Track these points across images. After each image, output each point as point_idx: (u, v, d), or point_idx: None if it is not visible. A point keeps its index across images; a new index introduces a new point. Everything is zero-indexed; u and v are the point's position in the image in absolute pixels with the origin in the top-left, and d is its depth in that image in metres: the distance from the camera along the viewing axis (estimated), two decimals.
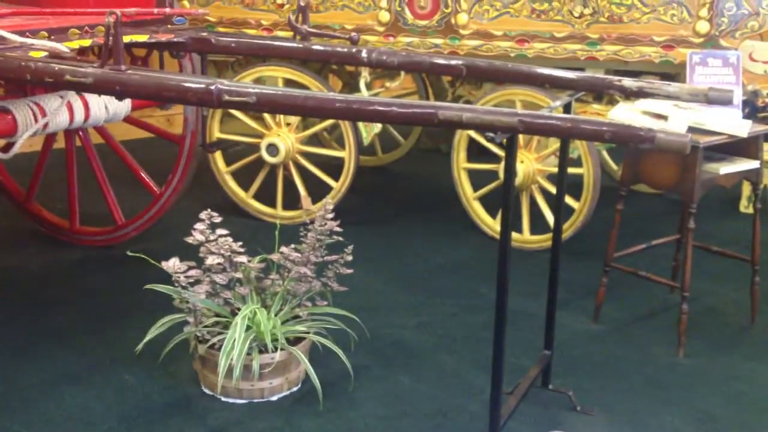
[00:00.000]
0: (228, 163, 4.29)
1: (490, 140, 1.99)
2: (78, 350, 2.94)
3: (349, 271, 2.83)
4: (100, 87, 2.38)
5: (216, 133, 4.23)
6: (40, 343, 2.98)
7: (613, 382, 2.81)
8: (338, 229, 2.77)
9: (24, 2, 3.38)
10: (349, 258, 2.81)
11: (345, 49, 2.93)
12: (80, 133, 3.71)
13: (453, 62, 2.76)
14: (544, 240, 3.79)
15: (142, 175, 3.85)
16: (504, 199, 2.07)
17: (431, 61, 2.85)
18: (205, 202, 4.11)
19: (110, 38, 2.37)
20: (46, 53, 2.67)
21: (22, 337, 3.03)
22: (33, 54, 2.64)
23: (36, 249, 3.87)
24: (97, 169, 3.82)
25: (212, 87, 2.24)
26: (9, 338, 3.03)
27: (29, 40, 2.73)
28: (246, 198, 4.28)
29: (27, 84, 2.81)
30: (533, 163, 3.81)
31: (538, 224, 3.87)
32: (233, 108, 2.44)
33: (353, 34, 3.10)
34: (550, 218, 3.74)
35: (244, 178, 4.29)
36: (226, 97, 2.22)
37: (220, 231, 2.78)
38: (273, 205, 4.23)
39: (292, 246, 2.81)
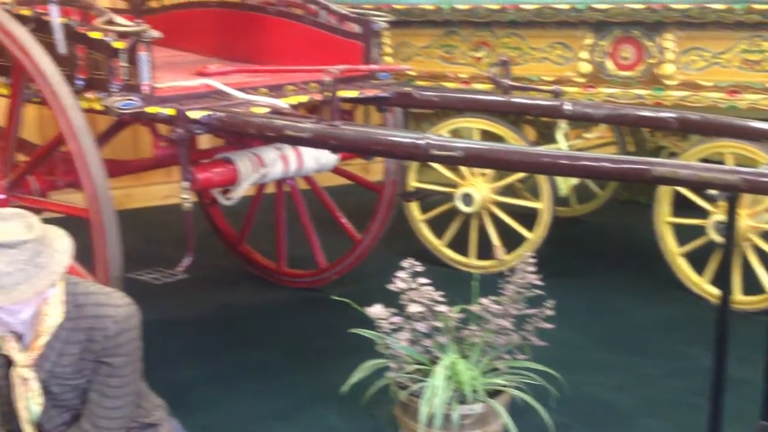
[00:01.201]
0: (423, 211, 4.39)
1: (710, 199, 1.91)
2: (284, 388, 3.09)
3: (550, 326, 2.80)
4: (317, 141, 2.53)
5: (412, 182, 4.35)
6: (249, 379, 3.17)
7: None
8: (538, 282, 2.76)
9: (242, 60, 3.66)
10: (550, 312, 2.78)
11: (547, 102, 2.94)
12: (289, 180, 3.94)
13: (662, 115, 2.69)
14: (758, 301, 3.56)
15: (344, 221, 4.02)
16: (724, 261, 1.98)
17: (638, 114, 2.80)
18: (399, 249, 4.22)
19: (327, 95, 2.53)
20: (267, 109, 2.89)
21: (232, 372, 3.24)
22: (255, 109, 2.87)
23: (247, 288, 4.13)
24: (303, 214, 4.03)
25: (420, 142, 2.32)
26: (220, 372, 3.24)
27: (251, 97, 2.96)
28: (439, 246, 4.35)
29: (249, 137, 3.03)
30: (746, 219, 3.61)
31: (749, 283, 3.64)
32: (440, 162, 2.51)
33: (555, 87, 3.10)
34: (765, 278, 3.51)
35: (438, 226, 4.36)
36: (434, 152, 2.29)
37: (421, 279, 2.84)
38: (466, 253, 4.27)
39: (492, 297, 2.82)
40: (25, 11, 2.87)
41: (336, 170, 3.97)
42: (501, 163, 2.23)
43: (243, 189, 3.09)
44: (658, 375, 3.14)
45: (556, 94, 3.05)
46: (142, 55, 2.70)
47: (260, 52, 3.64)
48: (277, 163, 3.14)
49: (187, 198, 2.86)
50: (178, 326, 3.61)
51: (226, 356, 3.37)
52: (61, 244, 2.10)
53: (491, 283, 2.86)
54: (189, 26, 3.83)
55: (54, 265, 2.05)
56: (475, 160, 2.28)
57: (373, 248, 3.96)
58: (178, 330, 3.56)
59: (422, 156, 2.32)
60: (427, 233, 4.38)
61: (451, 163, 2.71)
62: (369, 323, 2.79)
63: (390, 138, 2.39)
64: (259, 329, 3.64)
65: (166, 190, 5.40)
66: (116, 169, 3.28)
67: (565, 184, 4.03)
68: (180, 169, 2.90)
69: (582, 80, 3.92)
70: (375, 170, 5.12)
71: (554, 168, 2.18)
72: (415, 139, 2.33)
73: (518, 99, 2.97)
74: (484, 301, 2.81)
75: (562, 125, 4.05)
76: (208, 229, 4.34)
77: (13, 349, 2.15)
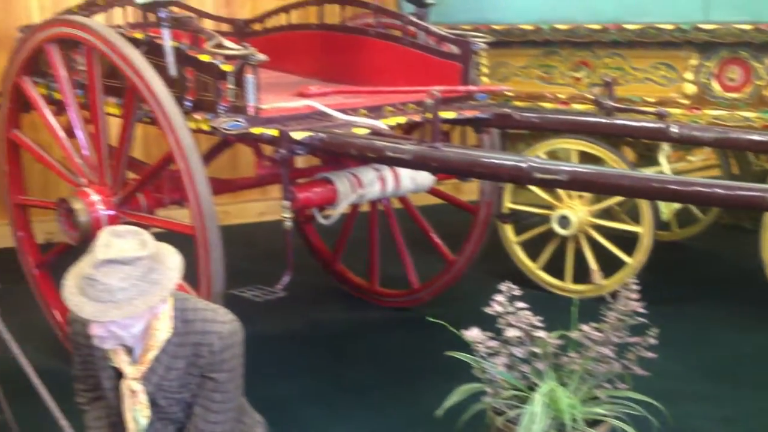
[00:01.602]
0: (517, 233, 4.34)
1: None
2: (379, 408, 3.09)
3: (652, 355, 2.71)
4: (418, 163, 2.54)
5: (507, 203, 4.31)
6: (344, 398, 3.19)
7: None
8: (642, 310, 2.68)
9: (341, 81, 3.71)
10: (652, 341, 2.70)
11: (653, 125, 2.87)
12: (383, 199, 3.96)
13: None
14: None
15: (437, 241, 4.01)
16: None
17: (749, 138, 2.70)
18: (492, 271, 4.18)
19: (427, 116, 2.53)
20: (367, 130, 2.91)
21: (328, 390, 3.26)
22: (356, 130, 2.90)
23: (340, 306, 4.17)
24: (396, 233, 4.05)
25: (523, 165, 2.29)
26: (316, 389, 3.27)
27: (352, 118, 3.00)
28: (534, 269, 4.29)
29: (349, 158, 3.06)
30: None
31: None
32: (544, 186, 2.47)
33: (661, 109, 3.03)
34: None
35: (532, 248, 4.31)
36: (537, 175, 2.26)
37: (519, 303, 2.80)
38: (562, 277, 4.20)
39: (592, 324, 2.75)
40: (138, 35, 2.98)
41: (432, 190, 3.99)
42: (609, 188, 2.18)
43: (341, 209, 3.13)
44: (764, 408, 3.00)
45: (662, 116, 2.98)
46: (249, 77, 2.77)
47: (359, 73, 3.69)
48: (374, 183, 3.17)
49: (287, 217, 2.90)
50: (274, 342, 3.67)
51: (322, 374, 3.40)
52: (172, 260, 2.17)
53: (588, 308, 2.79)
54: (289, 48, 3.91)
55: (166, 281, 2.11)
56: (580, 184, 2.24)
57: (466, 269, 3.94)
58: (273, 346, 3.61)
59: (525, 179, 2.30)
60: (521, 255, 4.33)
61: (556, 187, 2.67)
62: (463, 346, 2.76)
63: (492, 160, 2.37)
64: (353, 348, 3.66)
65: (262, 207, 5.52)
66: (220, 187, 3.36)
67: (668, 208, 3.92)
68: (280, 188, 2.96)
69: (686, 102, 3.81)
70: (467, 190, 5.10)
71: (664, 194, 2.12)
72: (517, 161, 2.31)
73: (622, 121, 2.91)
74: (584, 327, 2.75)
75: (665, 147, 3.94)
76: (303, 246, 4.40)
77: (123, 362, 2.22)
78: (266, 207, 5.51)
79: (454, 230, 4.10)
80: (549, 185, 2.31)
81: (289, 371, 3.43)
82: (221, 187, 3.41)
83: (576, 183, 2.24)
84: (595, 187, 2.26)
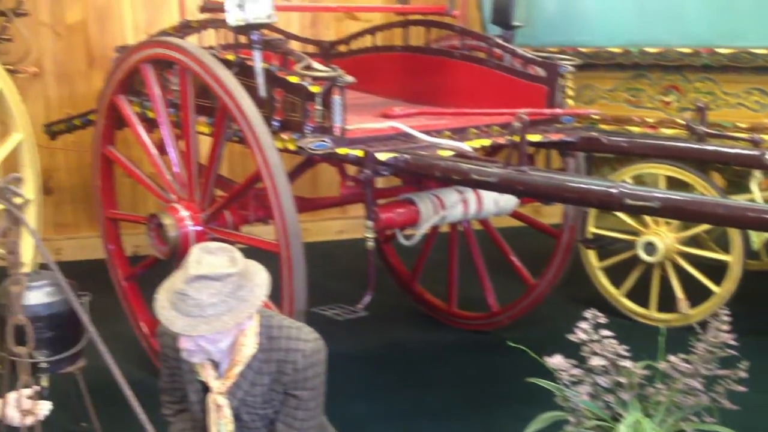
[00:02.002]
0: (601, 258, 4.26)
1: None
2: None
3: (742, 388, 2.61)
4: (504, 186, 2.52)
5: (591, 228, 4.23)
6: (423, 420, 3.17)
7: None
8: (733, 342, 2.59)
9: (424, 102, 3.73)
10: (743, 374, 2.60)
11: (747, 151, 2.79)
12: (464, 221, 3.94)
13: None
14: None
15: (518, 264, 3.97)
16: None
17: None
18: (573, 296, 4.11)
19: (513, 139, 2.52)
20: (452, 152, 2.91)
21: (406, 411, 3.25)
22: (440, 152, 2.90)
23: (417, 327, 4.16)
24: (476, 255, 4.02)
25: (614, 190, 2.25)
26: (394, 410, 3.27)
27: (436, 140, 3.00)
28: (617, 296, 4.20)
29: (433, 179, 3.06)
30: None
31: None
32: (635, 212, 2.42)
33: (755, 135, 2.94)
34: None
35: (616, 274, 4.22)
36: (628, 201, 2.22)
37: (604, 331, 2.74)
38: (646, 305, 4.10)
39: (680, 355, 2.67)
40: (230, 56, 3.06)
41: (514, 213, 3.95)
42: (702, 216, 2.12)
43: (423, 231, 3.13)
44: None
45: (756, 143, 2.89)
46: (336, 98, 2.80)
47: (443, 94, 3.70)
48: (457, 206, 3.16)
49: (370, 237, 2.91)
50: (351, 361, 3.68)
51: (400, 394, 3.39)
52: (260, 278, 2.20)
53: (674, 338, 2.71)
54: (374, 69, 3.95)
55: (253, 299, 2.15)
56: (672, 211, 2.19)
57: (547, 294, 3.88)
58: (351, 365, 3.62)
59: (615, 205, 2.26)
60: (604, 281, 4.24)
61: (647, 214, 2.61)
62: (544, 372, 2.71)
63: (581, 186, 2.34)
64: (431, 369, 3.64)
65: (341, 225, 5.57)
66: (304, 205, 3.40)
67: (759, 237, 3.79)
68: (359, 207, 2.98)
69: None
70: (547, 212, 5.05)
71: (761, 223, 2.05)
72: (607, 187, 2.27)
73: (715, 147, 2.83)
74: (672, 358, 2.67)
75: (757, 174, 3.81)
76: (381, 265, 4.41)
77: (210, 377, 2.26)
78: (345, 225, 5.56)
79: (534, 253, 4.05)
80: (640, 212, 2.27)
81: (367, 391, 3.43)
82: (305, 205, 3.46)
83: (668, 210, 2.19)
84: (688, 214, 2.21)
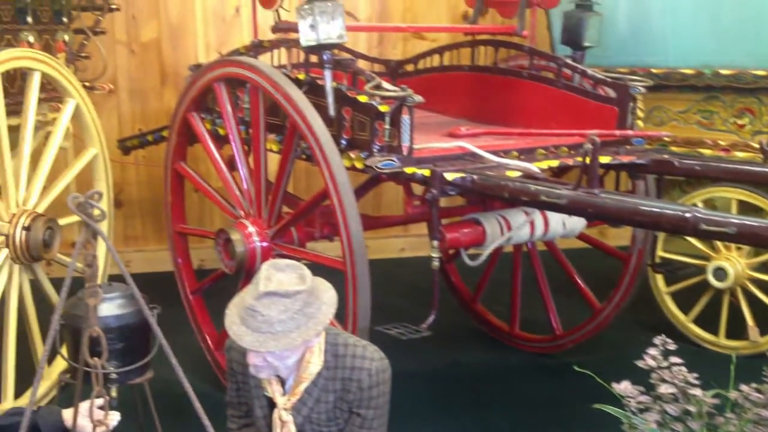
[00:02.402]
0: (668, 283, 4.17)
1: None
2: None
3: None
4: (574, 208, 2.49)
5: (659, 252, 4.15)
6: None
7: None
8: None
9: (490, 121, 3.71)
10: None
11: None
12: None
13: None
14: None
15: (583, 287, 3.91)
16: None
17: None
18: (638, 320, 4.03)
19: (583, 160, 2.49)
20: (520, 173, 2.89)
21: None
22: (508, 173, 2.88)
23: (479, 348, 4.13)
24: (540, 276, 3.98)
25: (688, 215, 2.21)
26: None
27: (504, 160, 2.98)
28: (685, 321, 4.10)
29: (500, 200, 3.04)
30: None
31: None
32: (710, 238, 2.37)
33: None
34: None
35: (684, 299, 4.12)
36: (703, 227, 2.18)
37: (673, 358, 2.68)
38: (715, 332, 3.99)
39: (753, 384, 2.59)
40: (301, 75, 3.10)
41: (580, 235, 3.90)
42: None
43: (489, 251, 3.11)
44: None
45: None
46: (405, 118, 2.82)
47: (510, 114, 3.68)
48: (524, 227, 3.13)
49: (435, 257, 2.91)
50: (413, 381, 3.66)
51: (461, 416, 3.36)
52: (328, 296, 2.22)
53: (744, 366, 2.63)
54: (440, 88, 3.95)
55: (321, 316, 2.17)
56: (749, 238, 2.13)
57: (613, 318, 3.81)
58: (413, 384, 3.61)
59: (690, 230, 2.21)
60: (672, 306, 4.15)
61: (722, 239, 2.55)
62: (610, 398, 2.66)
63: (654, 210, 2.30)
64: (493, 391, 3.60)
65: (402, 243, 5.57)
66: (370, 223, 3.42)
67: None
68: (422, 226, 2.97)
69: None
70: (612, 234, 4.97)
71: None
72: (682, 211, 2.23)
73: None
74: (744, 387, 2.60)
75: None
76: (443, 284, 4.39)
77: (276, 392, 2.28)
78: (406, 243, 5.56)
79: (599, 275, 3.99)
80: (715, 238, 2.22)
81: (429, 411, 3.42)
82: (371, 223, 3.47)
83: (744, 236, 2.13)
84: (765, 241, 2.14)
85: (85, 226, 1.89)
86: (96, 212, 1.90)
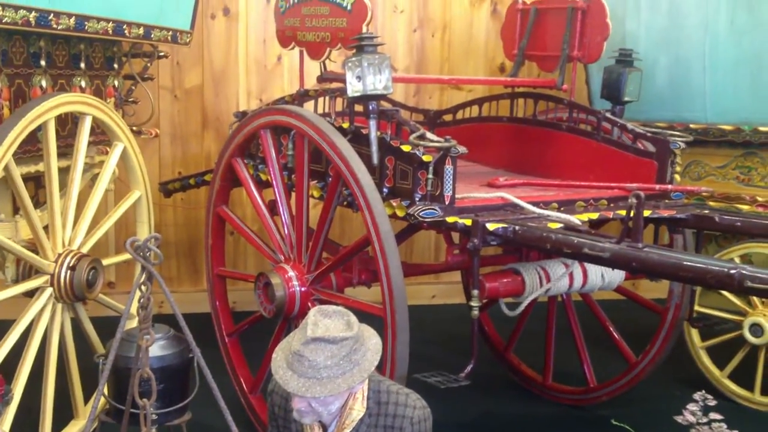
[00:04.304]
0: (704, 337, 4.13)
1: None
2: None
3: None
4: (617, 262, 2.50)
5: (695, 306, 4.12)
6: None
7: None
8: None
9: (528, 172, 3.75)
10: None
11: None
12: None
13: None
14: None
15: (619, 339, 3.89)
16: None
17: None
18: (673, 374, 3.99)
19: (622, 213, 2.51)
20: (561, 224, 2.91)
21: None
22: (550, 225, 2.90)
23: (511, 398, 4.10)
24: (575, 327, 3.96)
25: (734, 272, 2.22)
26: None
27: (545, 212, 3.01)
28: (720, 377, 4.06)
29: (539, 251, 3.06)
30: None
31: None
32: (756, 295, 2.37)
33: None
34: None
35: (719, 354, 4.09)
36: (749, 284, 2.18)
37: (713, 415, 2.66)
38: (750, 388, 3.94)
39: None
40: (345, 124, 3.16)
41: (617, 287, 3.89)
42: None
43: (527, 302, 3.11)
44: None
45: None
46: (448, 168, 2.86)
47: (548, 166, 3.72)
48: (563, 279, 3.14)
49: (475, 306, 2.92)
50: (447, 429, 3.64)
51: None
52: (373, 343, 2.24)
53: None
54: (478, 138, 4.00)
55: (366, 363, 2.18)
56: None
57: (649, 372, 3.78)
58: None
59: (735, 287, 2.22)
60: (706, 361, 4.11)
61: (767, 297, 2.55)
62: None
63: (699, 265, 2.30)
64: None
65: (433, 290, 5.58)
66: (410, 271, 3.45)
67: None
68: (457, 273, 2.96)
69: None
70: (644, 287, 4.94)
71: None
72: (727, 268, 2.24)
73: None
74: None
75: None
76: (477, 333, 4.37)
77: None
78: (438, 290, 5.57)
79: (634, 328, 3.97)
80: (760, 295, 2.22)
81: None
82: (410, 270, 3.49)
83: None
84: None
85: (142, 269, 1.93)
86: (153, 256, 1.94)
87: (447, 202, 2.89)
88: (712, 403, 2.66)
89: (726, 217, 3.04)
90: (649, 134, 3.37)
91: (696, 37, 3.95)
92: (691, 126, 3.96)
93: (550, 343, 4.07)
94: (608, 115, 3.55)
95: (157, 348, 2.77)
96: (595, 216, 3.09)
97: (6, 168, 2.76)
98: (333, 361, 2.14)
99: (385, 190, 3.03)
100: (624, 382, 3.83)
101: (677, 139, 3.29)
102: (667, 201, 3.31)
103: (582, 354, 3.97)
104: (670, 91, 4.02)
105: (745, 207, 3.88)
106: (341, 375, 2.14)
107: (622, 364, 3.86)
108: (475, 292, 2.90)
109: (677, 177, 3.89)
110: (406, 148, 2.93)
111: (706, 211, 3.11)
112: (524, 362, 4.28)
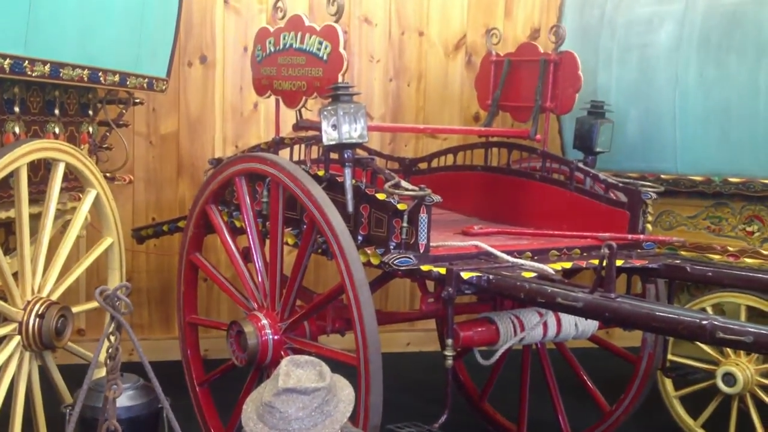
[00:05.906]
0: (677, 387, 4.13)
1: None
2: None
3: None
4: (590, 312, 2.51)
5: (668, 355, 4.13)
6: None
7: None
8: None
9: (501, 221, 3.77)
10: None
11: None
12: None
13: None
14: None
15: (593, 389, 3.88)
16: None
17: None
18: (648, 423, 3.98)
19: (595, 263, 2.52)
20: (534, 273, 2.92)
21: None
22: (524, 274, 2.91)
23: None
24: (549, 376, 3.95)
25: (705, 323, 2.23)
26: None
27: (520, 261, 3.02)
28: (694, 426, 4.04)
29: (514, 300, 3.06)
30: None
31: None
32: (727, 346, 2.38)
33: None
34: None
35: (693, 403, 4.08)
36: (720, 335, 2.19)
37: None
38: None
39: None
40: (320, 172, 3.17)
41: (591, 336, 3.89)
42: None
43: (501, 351, 3.11)
44: None
45: None
46: (423, 216, 2.87)
47: (521, 215, 3.75)
48: (537, 328, 3.14)
49: (449, 355, 2.90)
50: None
51: None
52: (345, 394, 2.22)
53: None
54: (452, 187, 4.03)
55: (338, 414, 2.16)
56: (767, 347, 2.14)
57: (623, 421, 3.77)
58: None
59: (706, 338, 2.22)
60: (680, 411, 4.10)
61: (740, 348, 2.56)
62: None
63: (671, 316, 2.31)
64: None
65: (408, 337, 5.54)
66: (384, 319, 3.41)
67: None
68: (432, 321, 2.95)
69: None
70: (618, 335, 4.94)
71: None
72: (698, 319, 2.25)
73: None
74: None
75: None
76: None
77: None
78: (412, 338, 5.54)
79: (607, 376, 3.95)
80: (732, 346, 2.23)
81: None
82: (385, 319, 3.47)
83: (762, 346, 2.15)
84: None
85: (111, 318, 1.91)
86: (122, 306, 1.92)
87: (421, 251, 2.90)
88: None
89: (698, 267, 3.07)
90: (620, 184, 3.41)
91: (666, 90, 4.03)
92: (662, 176, 4.01)
93: (524, 392, 4.05)
94: (581, 165, 3.59)
95: (126, 398, 2.72)
96: (568, 265, 3.11)
97: None
98: (305, 413, 2.11)
99: (359, 237, 3.03)
100: (599, 431, 3.82)
101: (648, 189, 3.34)
102: (639, 251, 3.34)
103: (556, 403, 3.95)
104: (642, 141, 4.08)
105: (716, 257, 3.92)
106: (313, 427, 2.11)
107: (597, 413, 3.85)
108: (449, 341, 2.89)
109: (649, 227, 3.93)
110: (381, 196, 2.94)
111: (678, 261, 3.14)
112: (499, 411, 4.26)
